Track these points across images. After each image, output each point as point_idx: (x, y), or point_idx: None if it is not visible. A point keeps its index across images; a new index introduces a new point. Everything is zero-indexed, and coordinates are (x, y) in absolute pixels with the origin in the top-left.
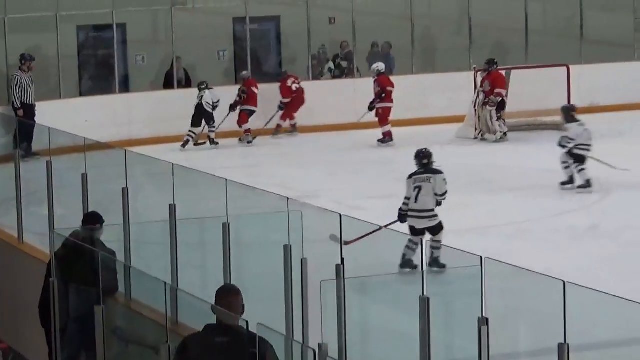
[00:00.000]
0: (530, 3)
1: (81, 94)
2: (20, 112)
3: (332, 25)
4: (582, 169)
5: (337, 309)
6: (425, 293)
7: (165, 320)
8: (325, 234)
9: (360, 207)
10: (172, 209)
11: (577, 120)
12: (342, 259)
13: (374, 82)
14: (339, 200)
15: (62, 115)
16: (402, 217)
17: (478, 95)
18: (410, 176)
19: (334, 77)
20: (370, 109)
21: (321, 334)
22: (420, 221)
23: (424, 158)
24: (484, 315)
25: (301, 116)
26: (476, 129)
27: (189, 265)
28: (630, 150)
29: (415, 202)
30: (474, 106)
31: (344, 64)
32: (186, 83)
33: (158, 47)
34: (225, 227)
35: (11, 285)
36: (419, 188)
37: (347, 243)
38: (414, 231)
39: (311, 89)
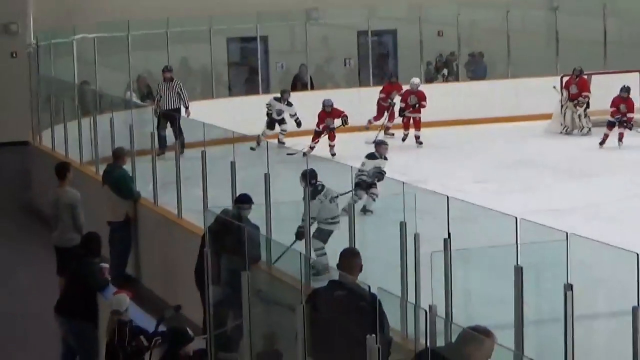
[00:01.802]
0: (608, 18)
1: (230, 95)
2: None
3: (441, 37)
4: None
5: (444, 276)
6: (518, 263)
7: (301, 285)
8: (433, 213)
9: (464, 190)
10: (307, 191)
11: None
12: (449, 234)
13: (413, 94)
14: (446, 184)
15: (214, 113)
16: (301, 234)
17: (562, 95)
18: (314, 196)
19: (445, 81)
20: (401, 115)
21: (431, 297)
22: (333, 225)
23: (313, 178)
24: (568, 282)
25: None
26: (562, 125)
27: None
28: None
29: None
30: (561, 104)
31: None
32: (311, 86)
33: (294, 56)
34: (350, 207)
35: (172, 254)
36: (335, 198)
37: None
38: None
39: (426, 91)
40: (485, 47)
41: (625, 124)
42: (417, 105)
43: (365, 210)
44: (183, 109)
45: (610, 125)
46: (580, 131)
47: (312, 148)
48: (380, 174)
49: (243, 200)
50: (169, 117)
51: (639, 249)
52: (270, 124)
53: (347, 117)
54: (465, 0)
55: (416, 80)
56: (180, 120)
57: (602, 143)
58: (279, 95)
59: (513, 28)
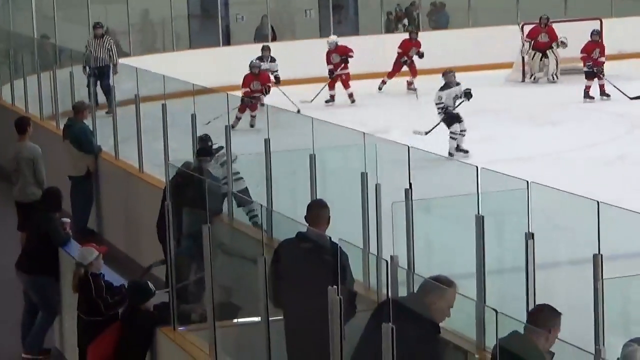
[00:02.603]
0: None
1: (191, 47)
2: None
3: None
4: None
5: (405, 226)
6: (480, 212)
7: (262, 237)
8: (394, 162)
9: (425, 140)
10: (267, 142)
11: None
12: (410, 184)
13: (332, 53)
14: (407, 134)
15: (175, 65)
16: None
17: (523, 45)
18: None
19: (406, 30)
20: (331, 77)
21: (392, 247)
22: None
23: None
24: (530, 230)
25: (376, 65)
26: (525, 74)
27: (282, 190)
28: None
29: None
30: (522, 54)
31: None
32: (273, 38)
33: (255, 7)
34: (312, 158)
35: (134, 208)
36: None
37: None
38: None
39: (386, 41)
40: None
41: (601, 73)
42: (343, 63)
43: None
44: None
45: (590, 75)
46: (555, 77)
47: (238, 119)
48: (468, 93)
49: (203, 152)
50: (98, 74)
51: (598, 196)
52: None
53: (269, 88)
54: None
55: (331, 38)
56: (110, 79)
57: (587, 96)
58: (259, 54)
59: None
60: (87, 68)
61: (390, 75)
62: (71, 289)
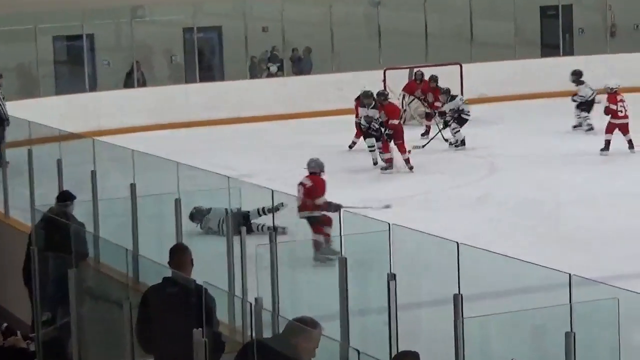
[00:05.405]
0: (429, 12)
1: (57, 93)
2: None
3: (266, 33)
4: (457, 131)
5: (270, 269)
6: (343, 254)
7: (127, 280)
8: (258, 205)
9: (289, 184)
10: (133, 187)
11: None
12: (275, 227)
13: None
14: (272, 178)
15: (40, 111)
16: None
17: (404, 97)
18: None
19: (269, 75)
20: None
21: (257, 290)
22: None
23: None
24: (392, 271)
25: (241, 109)
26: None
27: (147, 234)
28: (509, 131)
29: None
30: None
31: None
32: (142, 83)
33: (120, 53)
34: (177, 202)
35: (0, 252)
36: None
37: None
38: None
39: (251, 86)
40: (309, 42)
41: (440, 116)
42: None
43: None
44: None
45: (428, 116)
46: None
47: None
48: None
49: (64, 197)
50: None
51: (459, 237)
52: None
53: None
54: None
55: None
56: None
57: (426, 133)
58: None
59: (336, 23)
60: None
61: (384, 149)
62: None
